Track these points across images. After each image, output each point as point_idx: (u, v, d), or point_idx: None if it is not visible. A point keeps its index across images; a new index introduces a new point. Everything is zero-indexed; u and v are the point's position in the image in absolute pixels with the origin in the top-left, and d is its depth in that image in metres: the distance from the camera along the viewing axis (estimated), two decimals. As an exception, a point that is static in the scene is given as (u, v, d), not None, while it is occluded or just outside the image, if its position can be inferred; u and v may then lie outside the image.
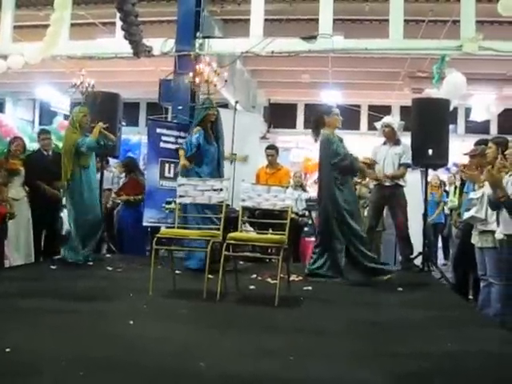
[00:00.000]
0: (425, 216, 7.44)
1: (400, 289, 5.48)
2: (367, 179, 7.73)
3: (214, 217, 5.73)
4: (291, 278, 5.28)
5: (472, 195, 4.94)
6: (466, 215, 4.99)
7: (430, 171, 8.03)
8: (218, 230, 5.06)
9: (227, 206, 5.78)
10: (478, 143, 5.84)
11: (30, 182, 6.91)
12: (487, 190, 4.76)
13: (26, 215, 6.80)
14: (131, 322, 3.78)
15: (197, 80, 6.45)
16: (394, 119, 8.13)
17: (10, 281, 5.23)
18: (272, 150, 8.18)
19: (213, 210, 5.77)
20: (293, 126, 16.90)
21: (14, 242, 6.66)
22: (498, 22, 10.66)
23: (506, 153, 4.62)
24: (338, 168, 5.99)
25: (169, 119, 9.91)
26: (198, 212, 5.91)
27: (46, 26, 8.64)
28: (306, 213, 8.62)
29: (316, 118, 6.28)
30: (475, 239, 5.03)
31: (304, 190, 9.13)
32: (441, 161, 7.15)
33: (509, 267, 4.48)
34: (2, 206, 6.12)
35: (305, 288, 5.43)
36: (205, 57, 7.19)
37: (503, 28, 10.87)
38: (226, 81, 6.62)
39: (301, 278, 5.93)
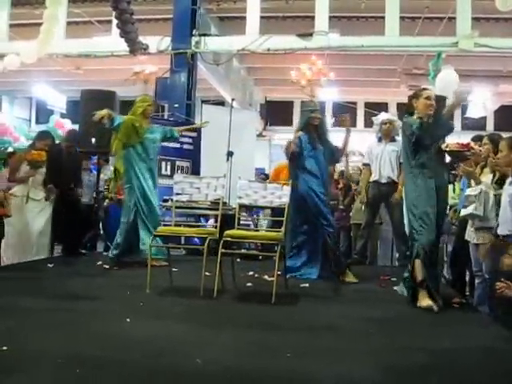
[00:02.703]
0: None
1: (396, 287, 5.47)
2: None
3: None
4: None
5: (469, 192, 4.94)
6: (464, 212, 4.99)
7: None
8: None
9: (224, 203, 5.79)
10: (473, 139, 5.85)
11: (48, 179, 6.72)
12: (484, 187, 4.79)
13: (46, 216, 6.73)
14: (128, 320, 3.78)
15: (303, 82, 6.23)
16: (394, 116, 8.11)
17: (6, 279, 5.23)
18: None
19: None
20: (289, 123, 16.92)
21: (27, 242, 6.52)
22: (494, 18, 10.69)
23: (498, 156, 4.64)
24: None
25: (165, 117, 9.91)
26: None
27: (42, 24, 8.64)
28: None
29: (406, 105, 5.27)
30: (470, 236, 5.04)
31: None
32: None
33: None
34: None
35: (302, 285, 5.44)
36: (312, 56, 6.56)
37: (499, 25, 10.90)
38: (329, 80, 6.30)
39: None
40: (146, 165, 6.37)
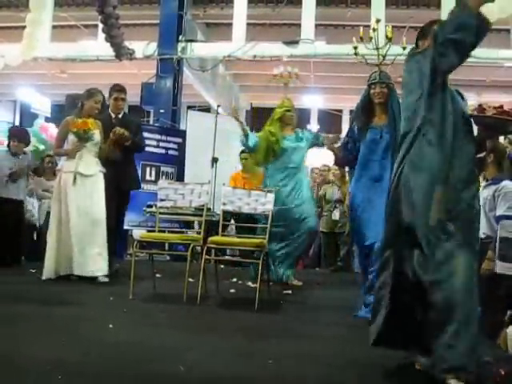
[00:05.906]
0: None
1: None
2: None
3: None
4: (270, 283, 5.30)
5: None
6: None
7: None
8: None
9: (208, 209, 5.79)
10: None
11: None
12: None
13: (99, 204, 5.51)
14: (111, 326, 3.77)
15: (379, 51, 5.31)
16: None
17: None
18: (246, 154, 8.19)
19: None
20: (275, 129, 16.94)
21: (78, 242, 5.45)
22: (477, 29, 10.82)
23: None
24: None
25: (151, 123, 9.92)
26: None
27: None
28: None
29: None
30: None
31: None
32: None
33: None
34: None
35: (285, 292, 5.46)
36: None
37: (482, 35, 11.03)
38: (404, 48, 5.40)
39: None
40: (284, 175, 5.89)
